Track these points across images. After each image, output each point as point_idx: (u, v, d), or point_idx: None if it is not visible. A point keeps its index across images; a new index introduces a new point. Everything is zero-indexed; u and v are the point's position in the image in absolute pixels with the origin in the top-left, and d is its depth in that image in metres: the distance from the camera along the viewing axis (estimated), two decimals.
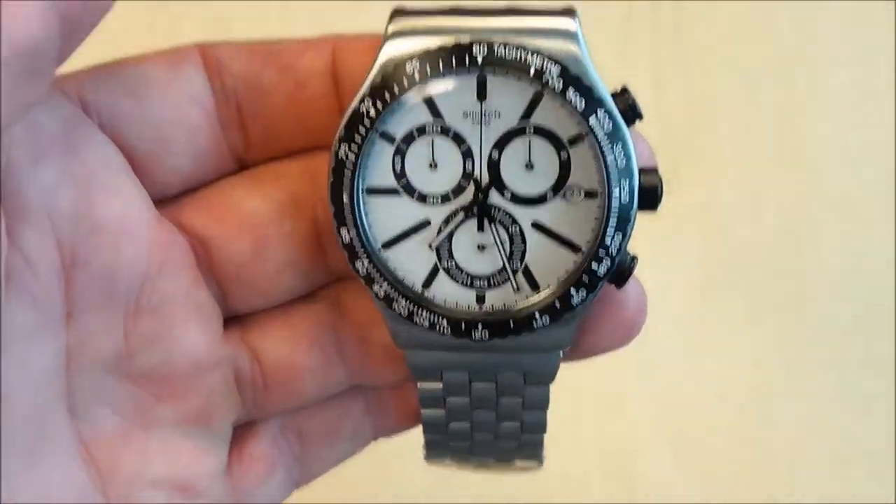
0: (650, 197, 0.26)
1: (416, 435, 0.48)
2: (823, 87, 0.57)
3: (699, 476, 0.49)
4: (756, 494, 0.48)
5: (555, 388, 0.50)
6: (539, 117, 0.26)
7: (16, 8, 0.20)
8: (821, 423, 0.50)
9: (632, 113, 0.25)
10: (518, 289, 0.27)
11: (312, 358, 0.30)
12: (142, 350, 0.27)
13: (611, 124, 0.25)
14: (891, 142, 0.55)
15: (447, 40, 0.25)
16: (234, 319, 0.30)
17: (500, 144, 0.26)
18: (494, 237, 0.27)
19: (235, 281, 0.29)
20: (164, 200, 0.29)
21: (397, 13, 0.26)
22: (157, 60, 0.28)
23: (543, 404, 0.30)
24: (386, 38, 0.26)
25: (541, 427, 0.30)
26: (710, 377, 0.51)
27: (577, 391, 0.50)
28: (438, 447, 0.32)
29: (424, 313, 0.27)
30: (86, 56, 0.25)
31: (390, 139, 0.26)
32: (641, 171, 0.26)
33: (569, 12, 0.26)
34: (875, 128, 0.56)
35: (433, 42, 0.25)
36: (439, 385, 0.29)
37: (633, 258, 0.27)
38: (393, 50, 0.25)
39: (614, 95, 0.26)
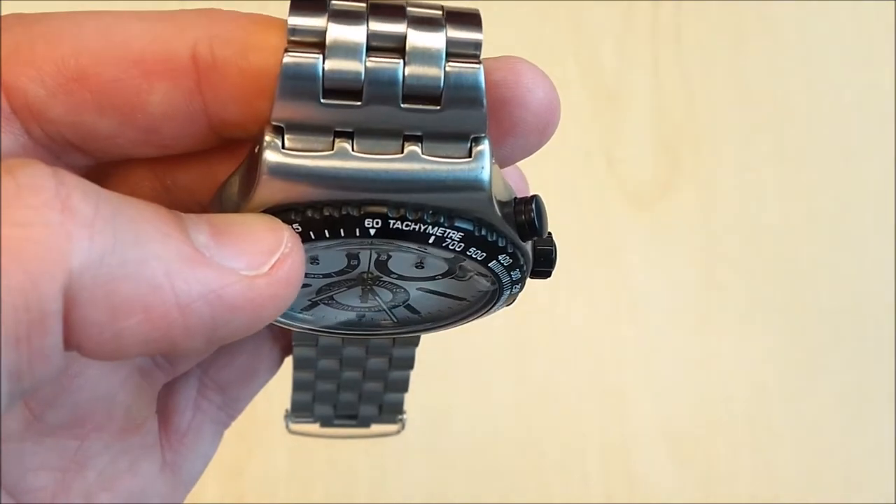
0: (543, 275, 0.24)
1: (415, 437, 0.48)
2: (824, 86, 0.57)
3: (699, 476, 0.49)
4: (756, 494, 0.48)
5: (556, 389, 0.51)
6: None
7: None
8: (821, 422, 0.50)
9: (529, 229, 0.22)
10: (397, 320, 0.26)
11: None
12: (48, 410, 0.26)
13: (510, 261, 0.23)
14: (892, 141, 0.55)
15: (332, 211, 0.21)
16: None
17: (389, 252, 0.23)
18: (377, 297, 0.25)
19: None
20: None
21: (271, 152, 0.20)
22: None
23: (409, 364, 0.30)
24: (261, 173, 0.20)
25: (404, 385, 0.31)
26: (711, 376, 0.51)
27: (577, 391, 0.50)
28: (304, 409, 0.32)
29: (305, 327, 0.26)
30: None
31: None
32: (535, 244, 0.24)
33: (478, 139, 0.20)
34: (876, 127, 0.56)
35: (316, 205, 0.21)
36: (314, 349, 0.29)
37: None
38: (268, 194, 0.20)
39: (518, 203, 0.22)
